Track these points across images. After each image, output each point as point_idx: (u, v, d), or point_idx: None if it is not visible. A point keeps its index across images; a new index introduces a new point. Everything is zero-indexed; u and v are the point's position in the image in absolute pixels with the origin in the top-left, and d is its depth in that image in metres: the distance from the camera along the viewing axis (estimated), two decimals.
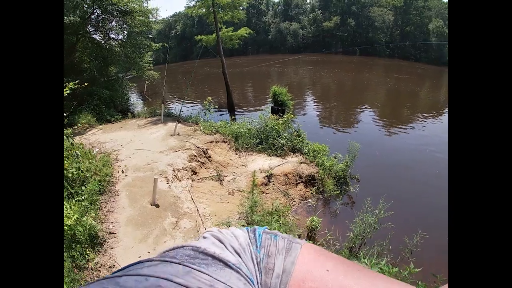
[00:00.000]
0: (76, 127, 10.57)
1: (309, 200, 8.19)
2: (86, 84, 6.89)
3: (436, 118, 17.63)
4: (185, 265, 0.45)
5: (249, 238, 0.57)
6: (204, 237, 0.56)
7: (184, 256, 0.48)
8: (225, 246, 0.53)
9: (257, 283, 0.50)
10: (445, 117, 17.94)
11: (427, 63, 50.08)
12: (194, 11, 17.08)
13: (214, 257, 0.49)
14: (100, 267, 4.72)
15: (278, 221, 6.12)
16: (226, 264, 0.49)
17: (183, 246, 0.51)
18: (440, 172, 9.97)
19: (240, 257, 0.52)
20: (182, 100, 12.84)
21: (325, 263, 0.52)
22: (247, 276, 0.49)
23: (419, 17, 55.06)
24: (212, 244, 0.53)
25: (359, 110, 19.07)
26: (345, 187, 8.79)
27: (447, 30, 55.28)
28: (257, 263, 0.53)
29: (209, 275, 0.45)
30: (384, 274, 3.04)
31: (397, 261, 5.63)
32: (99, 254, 4.93)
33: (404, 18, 56.66)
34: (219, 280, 0.45)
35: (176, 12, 67.81)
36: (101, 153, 8.74)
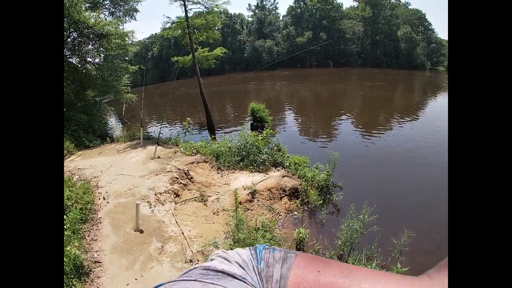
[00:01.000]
0: None
1: (295, 212, 8.25)
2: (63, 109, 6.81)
3: (410, 120, 18.40)
4: (200, 281, 0.54)
5: (251, 255, 0.66)
6: (212, 259, 0.64)
7: (198, 275, 0.57)
8: (231, 262, 0.62)
9: None
10: (418, 119, 18.75)
11: (398, 69, 52.14)
12: (169, 33, 17.23)
13: (223, 272, 0.58)
14: None
15: (264, 237, 6.17)
16: (233, 276, 0.58)
17: (195, 268, 0.60)
18: (420, 172, 10.42)
19: (244, 270, 0.61)
20: (161, 122, 12.78)
21: (318, 266, 0.59)
22: (252, 284, 0.58)
23: (387, 26, 57.71)
24: (220, 262, 0.62)
25: (337, 120, 19.58)
26: (328, 196, 8.93)
27: (415, 36, 57.99)
28: (258, 273, 0.61)
29: (222, 286, 0.54)
30: None
31: (388, 262, 5.78)
32: (85, 284, 4.85)
33: (373, 28, 59.25)
34: None
35: (152, 34, 67.72)
36: (81, 180, 8.59)
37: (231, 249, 0.68)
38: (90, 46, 16.46)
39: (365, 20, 60.49)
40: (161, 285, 0.54)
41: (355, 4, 65.78)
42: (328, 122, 19.25)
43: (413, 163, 11.44)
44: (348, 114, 20.68)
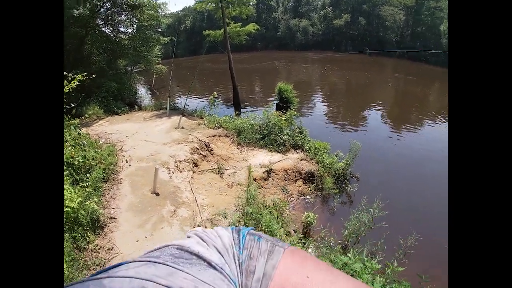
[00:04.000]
0: (83, 117, 10.85)
1: (307, 196, 8.28)
2: (94, 76, 7.11)
3: (443, 120, 17.52)
4: (169, 265, 0.46)
5: (233, 239, 0.57)
6: (188, 236, 0.57)
7: (168, 256, 0.49)
8: (208, 246, 0.53)
9: (239, 285, 0.50)
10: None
11: (437, 65, 49.44)
12: (203, 6, 17.18)
13: (198, 256, 0.50)
14: (99, 249, 4.99)
15: (271, 213, 6.28)
16: (210, 264, 0.49)
17: (167, 245, 0.52)
18: (439, 174, 9.86)
19: (223, 257, 0.52)
20: (187, 94, 12.98)
21: (307, 269, 0.51)
22: (230, 277, 0.49)
23: (430, 18, 53.92)
24: (197, 243, 0.53)
25: (365, 109, 19.01)
26: (344, 185, 8.83)
27: None
28: (239, 264, 0.52)
29: (193, 276, 0.45)
30: (367, 270, 3.13)
31: (391, 261, 5.70)
32: (99, 236, 5.20)
33: (415, 19, 55.66)
34: (203, 281, 0.45)
35: (186, 6, 67.83)
36: (107, 143, 9.01)
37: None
38: (123, 16, 16.84)
39: (407, 9, 56.69)
40: (125, 263, 0.47)
41: None
42: (357, 111, 18.66)
43: (442, 167, 10.15)
44: (379, 106, 19.84)
